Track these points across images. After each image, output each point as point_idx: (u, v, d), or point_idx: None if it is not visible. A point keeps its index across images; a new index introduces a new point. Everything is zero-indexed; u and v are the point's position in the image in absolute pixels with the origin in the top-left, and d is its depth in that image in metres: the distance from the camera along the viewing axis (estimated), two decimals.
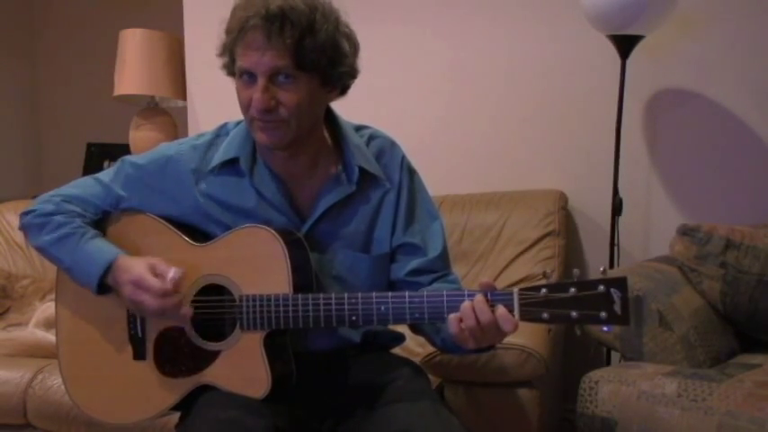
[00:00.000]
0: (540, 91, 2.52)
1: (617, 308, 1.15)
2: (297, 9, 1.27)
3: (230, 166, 1.44)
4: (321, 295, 1.32)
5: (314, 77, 1.33)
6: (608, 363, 2.27)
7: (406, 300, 1.28)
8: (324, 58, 1.31)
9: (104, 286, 1.41)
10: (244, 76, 1.33)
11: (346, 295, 1.30)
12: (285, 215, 1.43)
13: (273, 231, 1.35)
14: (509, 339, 1.71)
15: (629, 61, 2.20)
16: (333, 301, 1.30)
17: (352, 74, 1.39)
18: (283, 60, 1.28)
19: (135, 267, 1.36)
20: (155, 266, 1.36)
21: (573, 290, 1.17)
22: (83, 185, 1.52)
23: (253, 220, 1.41)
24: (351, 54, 1.37)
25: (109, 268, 1.39)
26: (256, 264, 1.36)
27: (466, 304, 1.21)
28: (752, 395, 1.56)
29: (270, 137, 1.35)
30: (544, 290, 1.18)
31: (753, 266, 1.90)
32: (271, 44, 1.28)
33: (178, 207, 1.46)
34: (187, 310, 1.36)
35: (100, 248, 1.42)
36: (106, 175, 1.51)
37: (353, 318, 1.30)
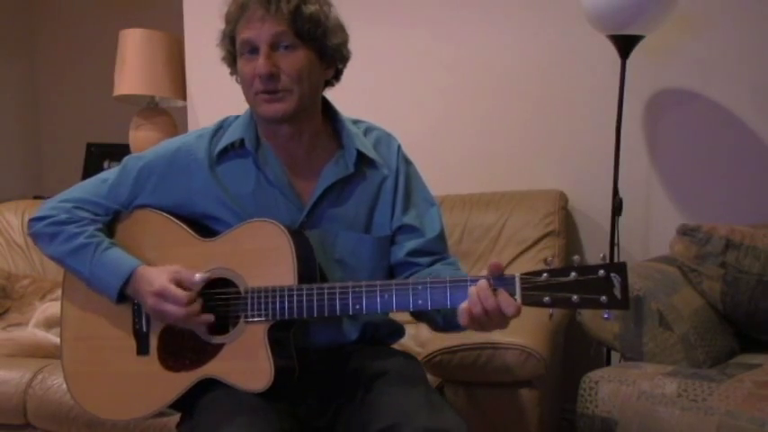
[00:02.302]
0: (540, 91, 2.53)
1: (617, 292, 1.16)
2: None
3: (235, 149, 1.48)
4: (326, 285, 1.34)
5: (311, 48, 1.39)
6: (608, 363, 2.27)
7: (410, 287, 1.29)
8: (319, 29, 1.38)
9: (123, 295, 1.44)
10: (246, 53, 1.39)
11: (350, 284, 1.32)
12: (287, 197, 1.46)
13: (280, 225, 1.37)
14: (509, 339, 1.72)
15: (629, 61, 2.20)
16: (337, 290, 1.32)
17: (346, 54, 1.46)
18: (282, 27, 1.36)
19: (157, 279, 1.38)
20: (177, 274, 1.38)
21: (574, 274, 1.18)
22: (89, 187, 1.54)
23: (257, 201, 1.45)
24: (342, 31, 1.44)
25: (129, 279, 1.42)
26: (262, 257, 1.37)
27: (471, 290, 1.22)
28: (752, 395, 1.56)
29: (275, 108, 1.39)
30: (545, 274, 1.19)
31: (753, 266, 1.90)
32: (270, 15, 1.36)
33: (188, 195, 1.48)
34: (208, 316, 1.38)
35: (117, 259, 1.44)
36: (112, 174, 1.53)
37: (357, 306, 1.31)
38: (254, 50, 1.38)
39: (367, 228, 1.49)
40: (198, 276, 1.38)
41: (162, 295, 1.37)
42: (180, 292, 1.36)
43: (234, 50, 1.43)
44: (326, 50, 1.41)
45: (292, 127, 1.44)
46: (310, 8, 1.37)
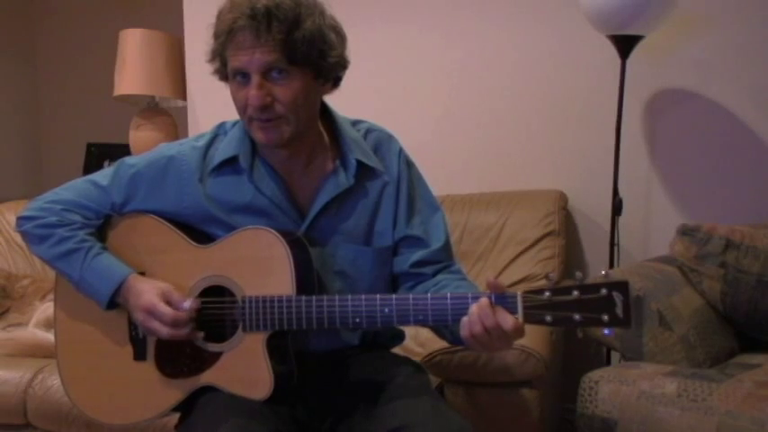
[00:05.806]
0: (540, 91, 2.53)
1: (618, 311, 1.17)
2: (282, 5, 1.29)
3: (230, 164, 1.44)
4: (325, 297, 1.31)
5: (307, 71, 1.33)
6: (608, 363, 2.27)
7: (410, 302, 1.28)
8: (314, 51, 1.32)
9: (113, 303, 1.42)
10: (237, 77, 1.33)
11: (350, 297, 1.30)
12: (285, 212, 1.43)
13: (276, 233, 1.34)
14: None
15: (629, 61, 2.20)
16: (336, 303, 1.30)
17: (343, 64, 1.39)
18: (274, 55, 1.29)
19: (146, 294, 1.37)
20: (167, 295, 1.36)
21: (576, 293, 1.17)
22: (80, 189, 1.50)
23: (253, 217, 1.41)
24: (339, 44, 1.37)
25: (119, 287, 1.40)
26: (259, 265, 1.35)
27: (472, 308, 1.21)
28: (752, 395, 1.56)
29: (269, 135, 1.35)
30: (547, 293, 1.18)
31: (753, 266, 1.90)
32: (260, 42, 1.28)
33: (178, 207, 1.45)
34: (198, 334, 1.37)
35: (109, 267, 1.42)
36: (104, 177, 1.50)
37: (357, 320, 1.29)
38: (245, 76, 1.31)
39: (367, 238, 1.46)
40: (187, 304, 1.35)
41: (150, 312, 1.35)
42: (167, 311, 1.34)
43: (225, 70, 1.36)
44: (324, 68, 1.35)
45: (290, 148, 1.40)
46: (303, 29, 1.29)
